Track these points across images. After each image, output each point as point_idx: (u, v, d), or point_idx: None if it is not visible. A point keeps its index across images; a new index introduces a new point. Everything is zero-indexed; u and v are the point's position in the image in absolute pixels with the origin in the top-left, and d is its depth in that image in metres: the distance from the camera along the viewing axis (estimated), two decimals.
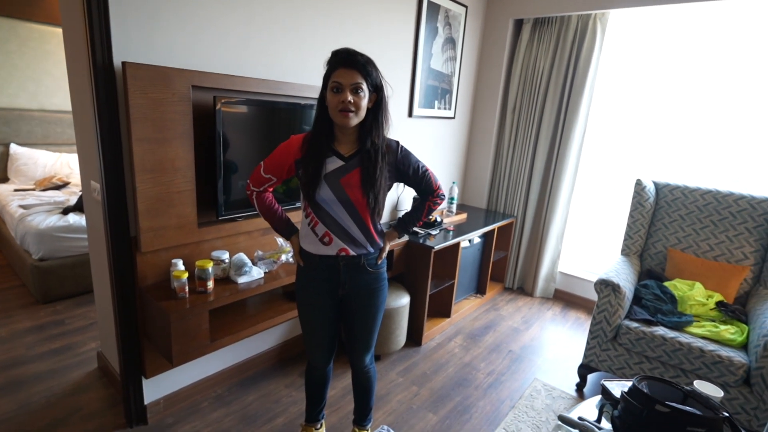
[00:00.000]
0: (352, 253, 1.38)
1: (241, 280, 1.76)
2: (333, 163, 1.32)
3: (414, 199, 1.59)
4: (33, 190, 3.64)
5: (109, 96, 1.45)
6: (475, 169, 3.63)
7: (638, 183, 2.51)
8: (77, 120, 1.76)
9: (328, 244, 1.37)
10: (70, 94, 1.76)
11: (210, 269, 1.63)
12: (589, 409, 1.51)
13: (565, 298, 3.44)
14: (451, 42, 3.02)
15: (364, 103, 1.26)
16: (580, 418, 1.42)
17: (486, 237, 3.15)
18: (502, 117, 3.46)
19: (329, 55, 1.29)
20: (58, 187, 3.72)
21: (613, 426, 1.38)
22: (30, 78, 3.93)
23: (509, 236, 3.44)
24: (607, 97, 3.16)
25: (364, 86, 1.24)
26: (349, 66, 1.23)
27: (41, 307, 2.73)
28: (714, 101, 2.75)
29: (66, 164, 4.06)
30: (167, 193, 1.59)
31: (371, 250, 1.42)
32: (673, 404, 1.22)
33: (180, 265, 1.64)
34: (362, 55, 1.26)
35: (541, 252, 3.37)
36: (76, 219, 2.92)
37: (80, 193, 3.37)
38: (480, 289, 3.29)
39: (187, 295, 1.59)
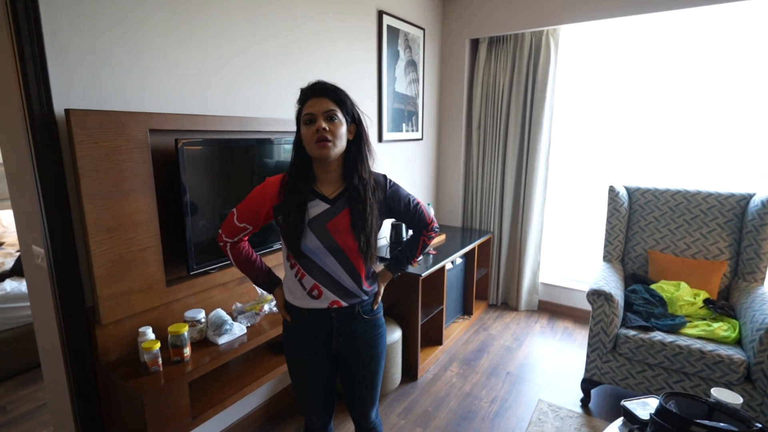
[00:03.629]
0: (344, 304, 1.24)
1: (222, 340, 1.56)
2: (317, 207, 1.18)
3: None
4: None
5: (51, 149, 1.25)
6: (447, 188, 3.60)
7: (611, 189, 2.55)
8: (11, 179, 1.52)
9: (317, 297, 1.22)
10: (0, 149, 1.53)
11: (185, 334, 1.43)
12: None
13: (550, 309, 3.43)
14: (413, 64, 3.00)
15: (342, 131, 1.15)
16: None
17: (467, 256, 3.09)
18: (468, 135, 3.48)
19: (298, 93, 1.19)
20: None
21: None
22: None
23: (488, 252, 3.41)
24: (568, 107, 3.25)
25: (339, 114, 1.15)
26: (318, 94, 1.14)
27: None
28: (671, 101, 2.89)
29: None
30: (128, 253, 1.39)
31: (365, 297, 1.28)
32: (707, 423, 1.16)
33: (149, 333, 1.43)
34: (331, 84, 1.17)
35: (521, 265, 3.36)
36: (14, 285, 2.56)
37: (17, 254, 2.99)
38: (466, 310, 3.20)
39: (161, 369, 1.38)
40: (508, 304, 3.53)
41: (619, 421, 1.52)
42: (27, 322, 2.53)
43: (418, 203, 1.34)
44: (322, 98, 1.14)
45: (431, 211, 1.37)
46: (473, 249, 3.06)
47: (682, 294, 2.19)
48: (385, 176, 1.30)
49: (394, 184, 1.31)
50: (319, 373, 1.30)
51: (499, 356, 2.75)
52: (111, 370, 1.38)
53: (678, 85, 2.83)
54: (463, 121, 3.41)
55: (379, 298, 1.34)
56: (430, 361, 2.61)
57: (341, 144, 1.16)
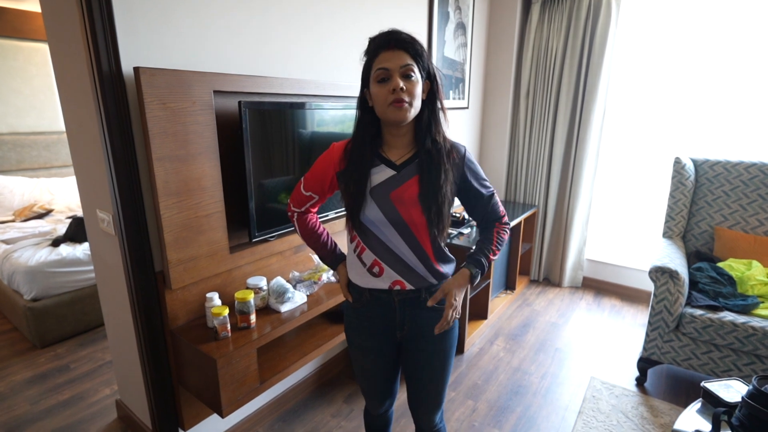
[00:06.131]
0: (408, 286, 1.10)
1: (284, 308, 1.55)
2: (381, 174, 1.06)
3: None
4: (12, 221, 3.31)
5: (119, 110, 1.22)
6: (491, 160, 3.47)
7: (677, 161, 2.39)
8: (74, 141, 1.51)
9: (378, 275, 1.10)
10: (62, 112, 1.51)
11: (252, 300, 1.42)
12: (692, 418, 1.37)
13: (595, 286, 3.33)
14: (461, 27, 2.84)
15: (419, 90, 1.00)
16: None
17: (512, 230, 3.00)
18: (515, 103, 3.31)
19: (366, 44, 1.03)
20: (40, 216, 3.40)
21: None
22: None
23: (533, 227, 3.31)
24: (627, 74, 3.03)
25: (416, 69, 0.99)
26: (394, 47, 0.98)
27: (40, 352, 2.44)
28: (744, 69, 2.64)
29: (46, 190, 3.72)
30: (195, 218, 1.37)
31: (434, 281, 1.11)
32: None
33: (217, 299, 1.42)
34: (407, 33, 1.00)
35: (566, 240, 3.25)
36: (69, 251, 2.63)
37: (68, 221, 3.07)
38: (509, 285, 3.14)
39: (230, 334, 1.38)
40: (550, 279, 3.45)
41: (697, 403, 1.45)
42: (82, 286, 2.61)
43: (494, 192, 1.17)
44: (398, 51, 0.97)
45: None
46: (519, 223, 2.96)
47: (754, 273, 2.06)
48: (465, 148, 1.16)
49: (474, 161, 1.16)
50: (381, 360, 1.21)
51: (546, 332, 2.69)
52: (181, 334, 1.39)
53: (754, 50, 2.58)
54: (511, 89, 3.24)
55: (451, 299, 1.08)
56: (475, 335, 2.58)
57: (418, 104, 1.01)
